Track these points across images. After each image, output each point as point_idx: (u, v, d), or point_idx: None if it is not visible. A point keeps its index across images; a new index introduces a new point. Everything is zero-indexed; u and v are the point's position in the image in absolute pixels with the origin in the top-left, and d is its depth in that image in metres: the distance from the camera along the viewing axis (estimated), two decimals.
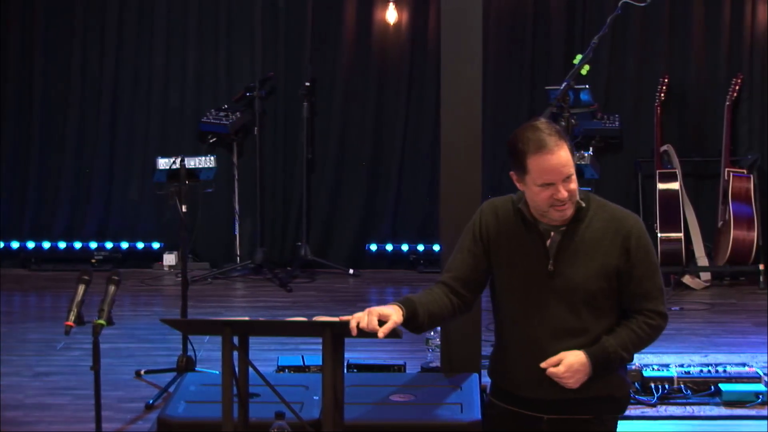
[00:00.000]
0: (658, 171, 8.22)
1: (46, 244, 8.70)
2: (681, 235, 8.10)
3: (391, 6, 8.58)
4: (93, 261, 8.59)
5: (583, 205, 3.47)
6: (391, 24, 8.62)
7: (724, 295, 7.98)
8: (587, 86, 6.20)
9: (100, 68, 8.65)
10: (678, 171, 8.22)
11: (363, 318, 3.28)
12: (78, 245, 8.71)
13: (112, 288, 4.04)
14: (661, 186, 8.18)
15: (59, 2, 8.62)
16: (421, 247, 8.71)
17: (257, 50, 8.66)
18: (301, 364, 5.26)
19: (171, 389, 5.28)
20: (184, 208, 5.91)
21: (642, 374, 5.41)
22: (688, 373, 5.45)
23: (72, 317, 3.92)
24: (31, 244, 8.69)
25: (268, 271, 8.41)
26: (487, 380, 3.79)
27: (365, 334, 3.27)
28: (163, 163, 6.08)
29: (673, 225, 8.12)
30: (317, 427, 3.53)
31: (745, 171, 8.20)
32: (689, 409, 5.27)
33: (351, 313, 3.31)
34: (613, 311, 3.50)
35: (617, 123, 8.38)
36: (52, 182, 8.73)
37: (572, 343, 3.44)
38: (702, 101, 8.58)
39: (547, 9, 8.60)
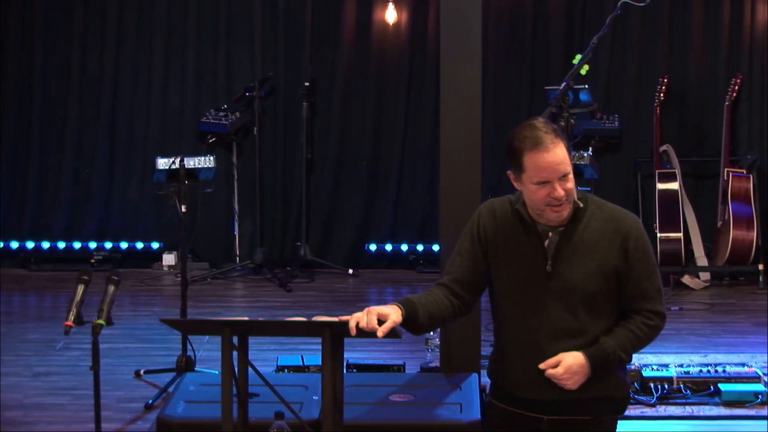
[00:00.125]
0: (657, 171, 8.22)
1: (46, 244, 8.70)
2: (680, 235, 8.10)
3: (391, 6, 8.58)
4: (92, 261, 8.59)
5: (581, 205, 3.47)
6: (391, 24, 8.62)
7: (723, 295, 7.98)
8: (587, 86, 6.21)
9: (100, 68, 8.65)
10: (677, 171, 8.22)
11: (362, 318, 3.28)
12: (77, 245, 8.71)
13: (111, 288, 4.04)
14: (660, 186, 8.19)
15: (59, 2, 8.62)
16: (420, 247, 8.71)
17: (257, 50, 8.66)
18: (301, 364, 5.26)
19: (170, 389, 5.27)
20: (183, 208, 5.92)
21: (641, 374, 5.42)
22: (688, 373, 5.45)
23: (71, 317, 3.93)
24: (30, 244, 8.69)
25: (267, 271, 8.41)
26: (486, 380, 3.79)
27: (364, 333, 3.27)
28: (162, 163, 6.08)
29: (672, 225, 8.12)
30: (317, 427, 3.53)
31: (744, 171, 8.20)
32: (689, 409, 5.27)
33: (350, 313, 3.31)
34: (612, 312, 3.50)
35: (617, 123, 8.38)
36: (52, 182, 8.73)
37: (571, 343, 3.44)
38: (701, 101, 8.58)
39: (547, 9, 8.59)
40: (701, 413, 5.23)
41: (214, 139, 8.48)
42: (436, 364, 5.06)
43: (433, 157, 8.31)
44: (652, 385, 5.36)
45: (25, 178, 8.70)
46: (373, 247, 8.75)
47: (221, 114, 8.47)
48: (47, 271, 8.59)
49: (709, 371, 5.47)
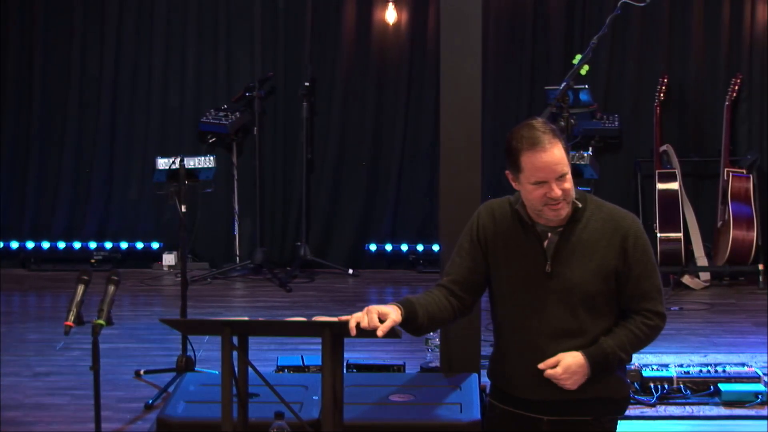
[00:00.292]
0: (657, 171, 8.22)
1: (46, 244, 8.70)
2: (680, 235, 8.10)
3: (391, 6, 8.58)
4: (92, 261, 8.59)
5: (580, 205, 3.47)
6: (391, 24, 8.63)
7: (723, 295, 7.98)
8: (587, 86, 6.20)
9: (100, 68, 8.65)
10: (677, 171, 8.22)
11: (363, 318, 3.28)
12: (77, 245, 8.71)
13: (111, 288, 4.04)
14: (660, 186, 8.18)
15: (59, 2, 8.62)
16: (420, 247, 8.71)
17: (257, 50, 8.66)
18: (301, 364, 5.27)
19: (170, 389, 5.27)
20: (183, 208, 5.92)
21: (641, 374, 5.42)
22: (688, 373, 5.45)
23: (71, 317, 3.93)
24: (30, 244, 8.69)
25: (267, 271, 8.41)
26: (486, 381, 3.79)
27: (364, 333, 3.27)
28: (162, 163, 6.08)
29: (672, 225, 8.12)
30: (317, 427, 3.53)
31: (744, 171, 8.20)
32: (689, 409, 5.27)
33: (350, 313, 3.31)
34: (612, 312, 3.49)
35: (616, 123, 8.38)
36: (52, 182, 8.73)
37: (571, 344, 3.44)
38: (701, 101, 8.59)
39: (547, 9, 8.60)
40: (701, 413, 5.23)
41: (214, 139, 8.48)
42: (436, 364, 5.06)
43: (433, 157, 8.31)
44: (652, 385, 5.36)
45: (24, 178, 8.70)
46: (373, 247, 8.75)
47: (221, 114, 8.47)
48: (47, 271, 8.59)
49: (709, 371, 5.47)
